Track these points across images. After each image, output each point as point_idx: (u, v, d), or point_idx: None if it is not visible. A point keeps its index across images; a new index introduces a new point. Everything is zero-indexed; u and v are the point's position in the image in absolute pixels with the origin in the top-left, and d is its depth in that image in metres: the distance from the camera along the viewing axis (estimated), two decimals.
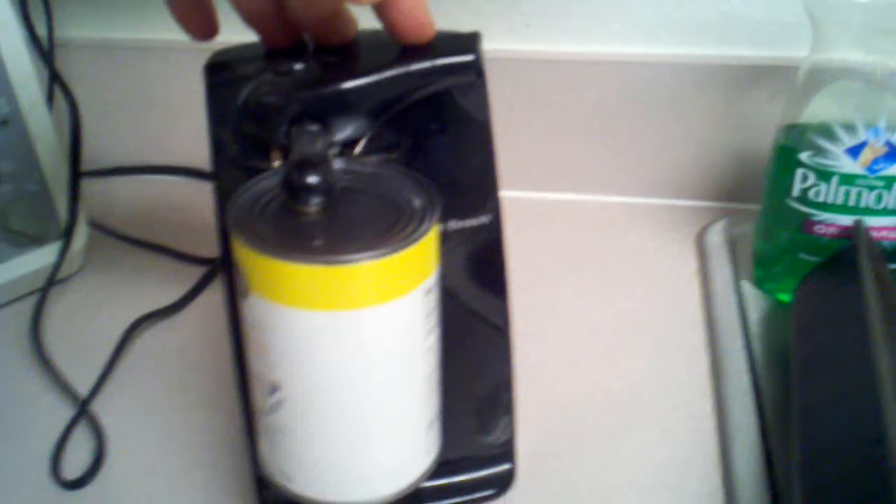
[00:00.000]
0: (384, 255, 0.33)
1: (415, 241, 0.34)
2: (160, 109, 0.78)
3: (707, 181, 0.73)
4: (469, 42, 0.39)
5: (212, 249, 0.68)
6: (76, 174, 0.62)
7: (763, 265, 0.62)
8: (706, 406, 0.53)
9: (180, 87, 0.76)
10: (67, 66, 0.75)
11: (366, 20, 0.40)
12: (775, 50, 0.67)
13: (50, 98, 0.61)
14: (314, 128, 0.36)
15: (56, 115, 0.62)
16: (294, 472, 0.39)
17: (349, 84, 0.36)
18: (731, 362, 0.56)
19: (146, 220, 0.74)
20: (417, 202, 0.36)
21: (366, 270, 0.33)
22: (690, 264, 0.66)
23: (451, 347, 0.40)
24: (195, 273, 0.67)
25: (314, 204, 0.34)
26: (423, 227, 0.35)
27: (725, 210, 0.72)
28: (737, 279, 0.63)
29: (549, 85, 0.70)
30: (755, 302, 0.61)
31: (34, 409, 0.55)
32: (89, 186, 0.64)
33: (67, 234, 0.62)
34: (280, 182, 0.35)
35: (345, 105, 0.37)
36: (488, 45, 0.40)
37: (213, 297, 0.65)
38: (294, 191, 0.34)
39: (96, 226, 0.69)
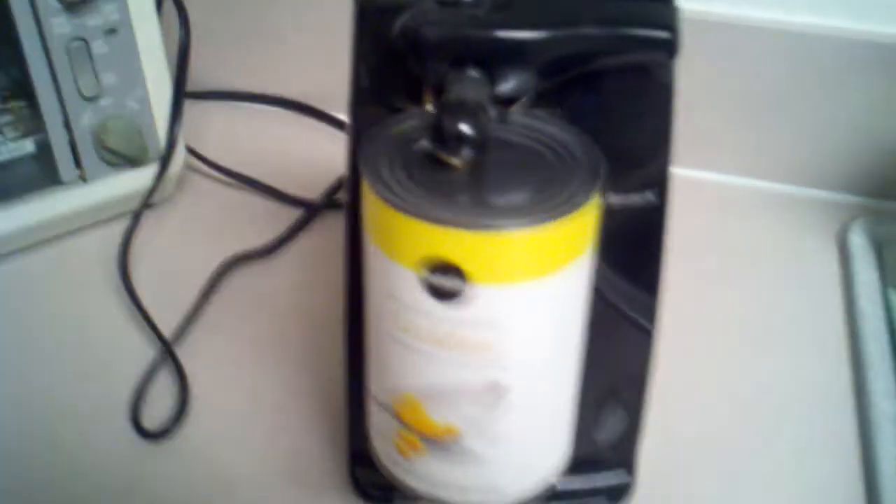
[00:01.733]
0: (536, 222, 0.29)
1: (574, 209, 0.29)
2: (268, 35, 0.73)
3: (854, 172, 0.66)
4: (666, 12, 0.33)
5: (310, 190, 0.64)
6: (180, 94, 0.58)
7: None
8: (848, 429, 0.49)
9: (290, 12, 0.72)
10: None
11: None
12: None
13: (158, 8, 0.57)
14: (475, 74, 0.31)
15: (161, 27, 0.58)
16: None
17: (524, 34, 0.31)
18: (878, 382, 0.51)
19: (242, 151, 0.69)
20: (579, 165, 0.31)
21: (512, 240, 0.29)
22: (831, 264, 0.61)
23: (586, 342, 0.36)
24: (291, 214, 0.63)
25: (464, 155, 0.29)
26: (584, 194, 0.30)
27: (870, 207, 0.66)
28: (884, 287, 0.57)
29: (696, 49, 0.63)
30: None
31: (116, 344, 0.53)
32: (186, 108, 0.60)
33: (165, 159, 0.58)
34: (429, 126, 0.30)
35: (515, 56, 0.32)
36: None
37: (310, 242, 0.61)
38: (443, 137, 0.29)
39: (190, 151, 0.65)
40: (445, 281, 0.30)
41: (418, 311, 0.31)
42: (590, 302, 0.35)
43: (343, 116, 0.72)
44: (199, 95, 0.74)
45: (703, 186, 0.68)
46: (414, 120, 0.33)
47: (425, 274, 0.30)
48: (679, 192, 0.68)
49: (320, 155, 0.70)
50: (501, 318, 0.31)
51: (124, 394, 0.49)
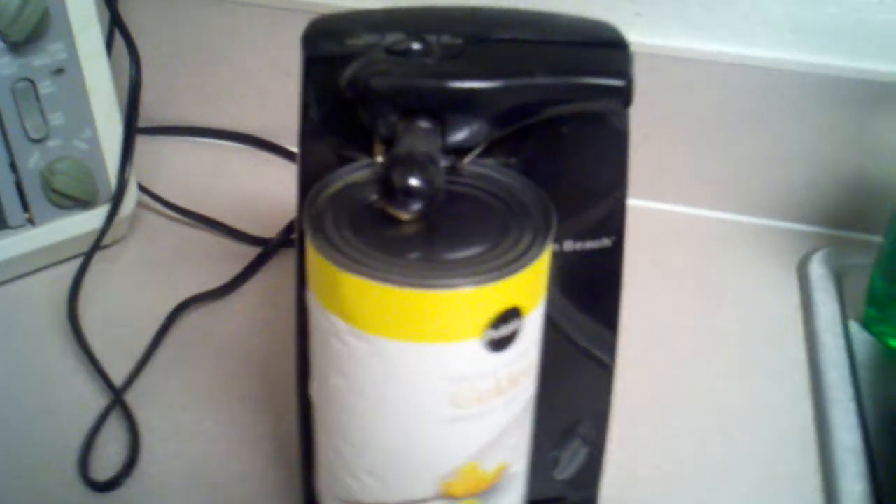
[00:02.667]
0: (485, 281, 0.28)
1: (523, 266, 0.28)
2: (222, 68, 0.72)
3: (815, 204, 0.67)
4: (619, 60, 0.33)
5: (266, 229, 0.63)
6: (131, 133, 0.57)
7: (878, 305, 0.56)
8: (810, 463, 0.49)
9: (247, 46, 0.71)
10: (127, 12, 0.70)
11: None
12: None
13: (108, 46, 0.56)
14: (426, 124, 0.31)
15: (112, 66, 0.57)
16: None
17: (476, 84, 0.31)
18: (839, 416, 0.51)
19: (197, 187, 0.68)
20: (530, 217, 0.31)
21: (461, 298, 0.28)
22: (792, 295, 0.61)
23: (542, 379, 0.35)
24: (247, 253, 0.61)
25: (413, 210, 0.29)
26: (534, 249, 0.29)
27: (830, 237, 0.67)
28: (844, 318, 0.57)
29: (655, 82, 0.64)
30: (864, 346, 0.56)
31: (65, 392, 0.51)
32: (138, 144, 0.58)
33: (116, 200, 0.57)
34: (377, 179, 0.29)
35: (467, 106, 0.31)
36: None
37: (266, 281, 0.60)
38: (392, 191, 0.28)
39: (142, 189, 0.63)
40: (505, 328, 0.29)
41: (481, 372, 0.30)
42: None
43: None
44: (152, 131, 0.73)
45: (663, 218, 0.68)
46: (362, 171, 0.32)
47: (488, 334, 0.29)
48: (640, 224, 0.68)
49: (277, 190, 0.68)
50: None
51: (73, 443, 0.47)
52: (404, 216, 0.29)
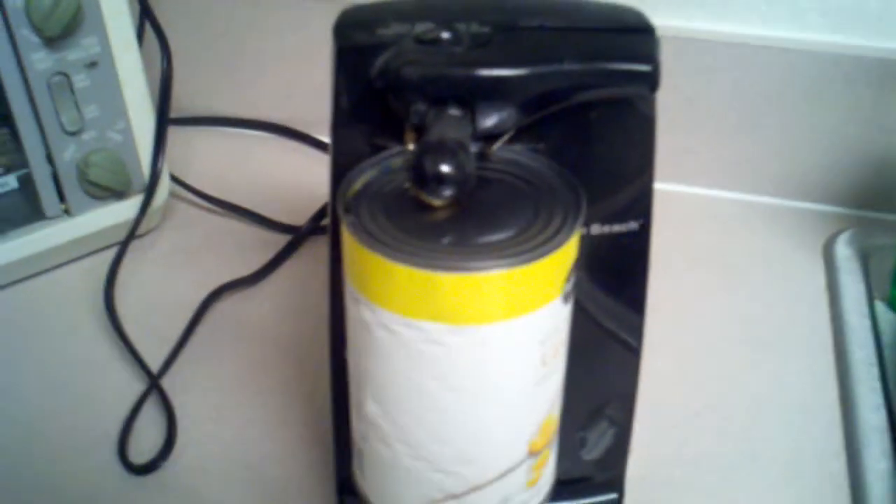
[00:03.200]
0: (514, 265, 0.29)
1: (551, 250, 0.29)
2: (249, 58, 0.73)
3: (840, 185, 0.66)
4: (646, 45, 0.33)
5: (296, 216, 0.64)
6: (163, 125, 0.58)
7: None
8: (835, 444, 0.49)
9: (273, 36, 0.71)
10: (156, 4, 0.71)
11: None
12: None
13: (139, 38, 0.57)
14: (456, 112, 0.31)
15: (143, 58, 0.58)
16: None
17: (505, 72, 0.31)
18: (864, 396, 0.51)
19: (227, 177, 0.69)
20: (559, 202, 0.31)
21: (491, 281, 0.29)
22: (817, 276, 0.61)
23: (571, 362, 0.36)
24: (277, 240, 0.62)
25: (444, 196, 0.29)
26: (562, 234, 0.30)
27: (856, 218, 0.67)
28: (870, 298, 0.57)
29: (678, 66, 0.64)
30: (890, 326, 0.56)
31: (103, 378, 0.52)
32: (169, 136, 0.59)
33: (149, 190, 0.58)
34: (409, 166, 0.30)
35: (496, 93, 0.32)
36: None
37: (297, 268, 0.61)
38: (423, 179, 0.29)
39: (174, 179, 0.64)
40: (571, 280, 0.32)
41: (559, 326, 0.33)
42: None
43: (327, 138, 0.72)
44: (183, 122, 0.74)
45: (689, 201, 0.68)
46: (395, 158, 0.33)
47: (565, 289, 0.32)
48: (665, 207, 0.68)
49: (306, 179, 0.69)
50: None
51: (112, 428, 0.49)
52: (437, 202, 0.30)
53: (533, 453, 0.34)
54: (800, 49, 0.62)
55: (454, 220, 0.30)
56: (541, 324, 0.31)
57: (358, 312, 0.32)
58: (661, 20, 0.63)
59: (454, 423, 0.32)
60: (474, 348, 0.30)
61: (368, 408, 0.34)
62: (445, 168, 0.28)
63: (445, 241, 0.29)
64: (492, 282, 0.29)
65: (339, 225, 0.31)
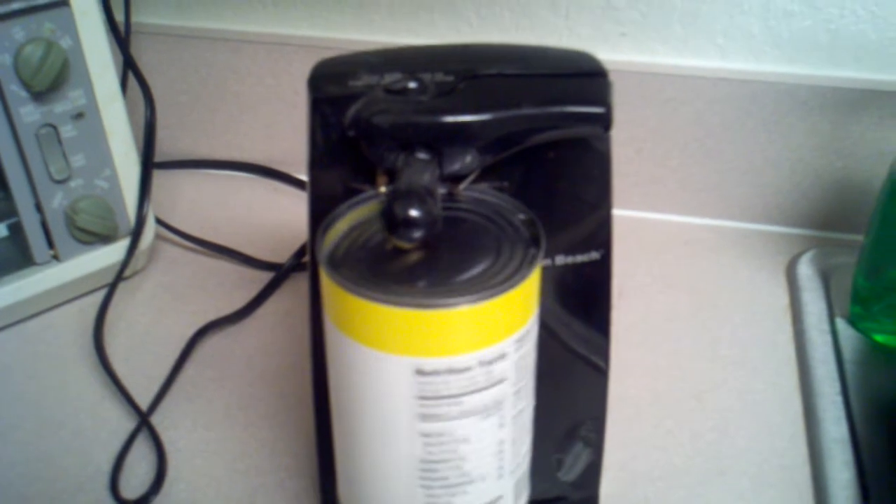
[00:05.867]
0: (480, 300, 0.31)
1: (515, 284, 0.31)
2: (229, 102, 0.76)
3: (801, 208, 0.69)
4: (599, 88, 0.36)
5: (277, 254, 0.66)
6: (148, 170, 0.59)
7: (862, 302, 0.58)
8: (800, 455, 0.51)
9: (252, 80, 0.74)
10: (138, 53, 0.73)
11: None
12: (889, 73, 0.63)
13: (123, 87, 0.59)
14: (424, 156, 0.33)
15: (126, 106, 0.60)
16: None
17: (468, 118, 0.34)
18: (827, 409, 0.53)
19: (210, 217, 0.71)
20: (522, 237, 0.34)
21: (459, 316, 0.31)
22: (781, 295, 0.63)
23: (542, 386, 0.38)
24: (261, 277, 0.64)
25: (414, 239, 0.32)
26: (525, 269, 0.32)
27: (817, 239, 0.69)
28: (831, 315, 0.60)
29: (642, 99, 0.66)
30: (850, 342, 0.58)
31: (94, 416, 0.54)
32: (153, 179, 0.61)
33: (136, 234, 0.60)
34: (380, 211, 0.32)
35: (461, 137, 0.34)
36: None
37: (280, 304, 0.63)
38: (394, 223, 0.31)
39: (159, 222, 0.66)
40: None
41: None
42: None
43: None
44: (167, 165, 0.76)
45: (658, 227, 0.70)
46: (367, 203, 0.35)
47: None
48: (636, 234, 0.70)
49: (287, 217, 0.71)
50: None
51: (104, 465, 0.50)
52: (407, 245, 0.32)
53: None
54: (757, 80, 0.65)
55: (424, 260, 0.32)
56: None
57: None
58: (625, 56, 0.66)
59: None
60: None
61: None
62: (413, 213, 0.31)
63: (416, 279, 0.32)
64: (459, 316, 0.31)
65: (318, 266, 0.33)
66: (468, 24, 0.68)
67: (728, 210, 0.71)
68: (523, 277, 0.31)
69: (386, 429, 0.33)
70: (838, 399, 0.53)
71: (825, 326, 0.59)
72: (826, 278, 0.63)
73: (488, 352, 0.32)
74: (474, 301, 0.30)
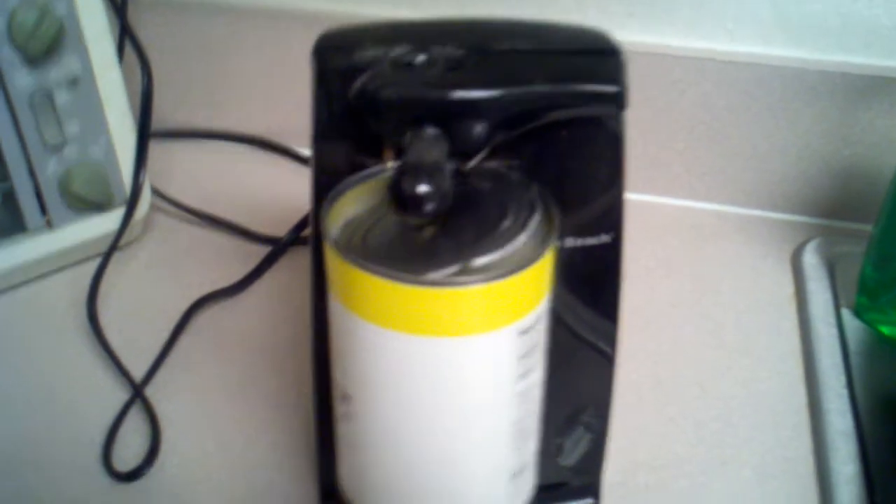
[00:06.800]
0: (491, 280, 0.30)
1: (527, 265, 0.30)
2: (228, 73, 0.74)
3: (807, 195, 0.68)
4: (613, 66, 0.35)
5: (276, 227, 0.65)
6: (144, 139, 0.58)
7: (869, 293, 0.58)
8: (803, 447, 0.50)
9: (251, 51, 0.73)
10: (136, 22, 0.71)
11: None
12: None
13: (119, 55, 0.58)
14: (432, 132, 0.32)
15: (123, 74, 0.58)
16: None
17: (478, 93, 0.32)
18: (831, 400, 0.52)
19: (208, 188, 0.70)
20: (535, 218, 0.33)
21: (468, 296, 0.30)
22: (786, 284, 0.62)
23: (549, 371, 0.37)
24: (258, 251, 0.63)
25: (422, 216, 0.31)
26: (539, 249, 0.31)
27: (823, 227, 0.68)
28: (837, 306, 0.59)
29: (649, 80, 0.65)
30: (856, 333, 0.57)
31: (87, 387, 0.53)
32: (150, 148, 0.60)
33: (131, 203, 0.59)
34: (388, 187, 0.31)
35: (471, 113, 0.33)
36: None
37: (278, 278, 0.62)
38: (402, 199, 0.30)
39: (155, 192, 0.65)
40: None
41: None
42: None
43: (306, 151, 0.73)
44: (164, 135, 0.75)
45: (661, 211, 0.70)
46: (374, 177, 0.34)
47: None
48: (637, 217, 0.70)
49: (286, 190, 0.70)
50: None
51: (96, 437, 0.49)
52: (416, 221, 0.31)
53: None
54: (766, 64, 0.64)
55: (434, 236, 0.31)
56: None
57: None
58: (633, 36, 0.65)
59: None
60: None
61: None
62: (423, 188, 0.29)
63: (426, 256, 0.31)
64: (471, 296, 0.30)
65: (322, 241, 0.32)
66: (472, 1, 0.67)
67: (733, 195, 0.70)
68: (536, 258, 0.30)
69: (486, 403, 0.33)
70: (844, 391, 0.53)
71: (831, 317, 0.58)
72: (831, 267, 0.63)
73: (499, 334, 0.32)
74: (487, 280, 0.30)
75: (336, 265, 0.31)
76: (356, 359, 0.32)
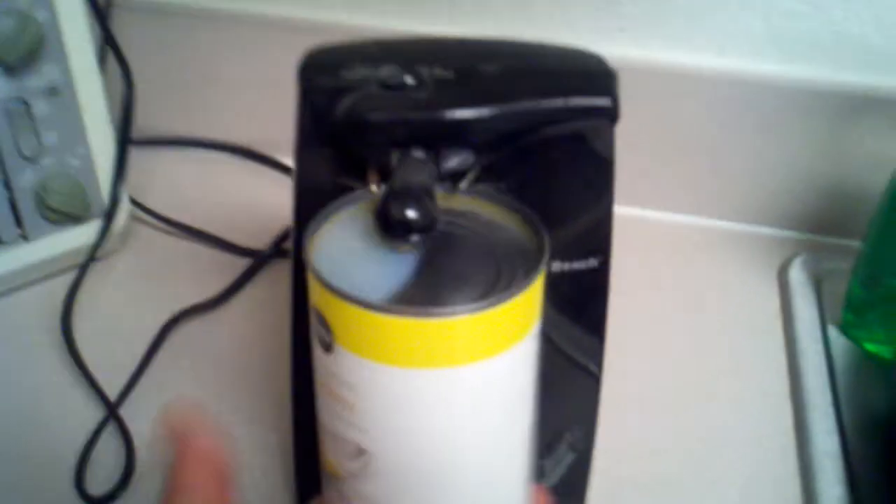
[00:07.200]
0: (479, 309, 0.29)
1: (519, 291, 0.29)
2: (211, 82, 0.73)
3: (794, 210, 0.68)
4: (604, 80, 0.34)
5: (256, 239, 0.64)
6: (124, 150, 0.57)
7: (855, 310, 0.57)
8: (790, 469, 0.50)
9: (234, 60, 0.71)
10: (117, 29, 0.70)
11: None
12: (891, 79, 0.62)
13: (101, 63, 0.56)
14: (421, 155, 0.31)
15: (104, 81, 0.57)
16: None
17: (468, 113, 0.32)
18: (817, 420, 0.52)
19: (188, 198, 0.69)
20: (524, 242, 0.32)
21: (462, 325, 0.29)
22: (772, 299, 0.62)
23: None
24: (238, 264, 0.62)
25: (409, 242, 0.30)
26: (530, 275, 0.30)
27: (809, 242, 0.68)
28: (823, 323, 0.59)
29: (638, 95, 0.64)
30: (842, 351, 0.57)
31: (60, 405, 0.52)
32: (129, 158, 0.59)
33: (109, 215, 0.58)
34: (375, 212, 0.30)
35: (460, 135, 0.32)
36: (575, 44, 0.36)
37: (257, 292, 0.61)
38: (389, 224, 0.29)
39: (134, 202, 0.64)
40: (322, 331, 0.30)
41: (314, 351, 0.31)
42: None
43: (292, 162, 0.72)
44: (144, 143, 0.74)
45: (646, 224, 0.69)
46: (358, 202, 0.33)
47: (314, 320, 0.30)
48: (622, 230, 0.69)
49: (267, 201, 0.69)
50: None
51: (69, 457, 0.48)
52: (403, 247, 0.30)
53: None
54: (757, 80, 0.63)
55: (420, 264, 0.30)
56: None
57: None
58: (620, 49, 0.64)
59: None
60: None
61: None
62: (411, 214, 0.28)
63: (413, 285, 0.30)
64: (458, 326, 0.29)
65: (306, 270, 0.31)
66: (462, 12, 0.66)
67: (720, 210, 0.69)
68: (528, 284, 0.30)
69: (512, 417, 0.32)
70: (830, 410, 0.52)
71: (817, 334, 0.58)
72: (818, 283, 0.62)
73: (487, 364, 0.31)
74: (474, 310, 0.29)
75: (339, 308, 0.30)
76: (372, 407, 0.31)
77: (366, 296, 0.28)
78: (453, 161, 0.33)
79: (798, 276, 0.63)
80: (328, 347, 0.30)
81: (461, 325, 0.29)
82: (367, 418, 0.31)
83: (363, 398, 0.31)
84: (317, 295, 0.30)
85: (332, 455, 0.33)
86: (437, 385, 0.30)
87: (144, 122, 0.73)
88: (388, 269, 0.30)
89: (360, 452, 0.32)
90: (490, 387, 0.31)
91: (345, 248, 0.31)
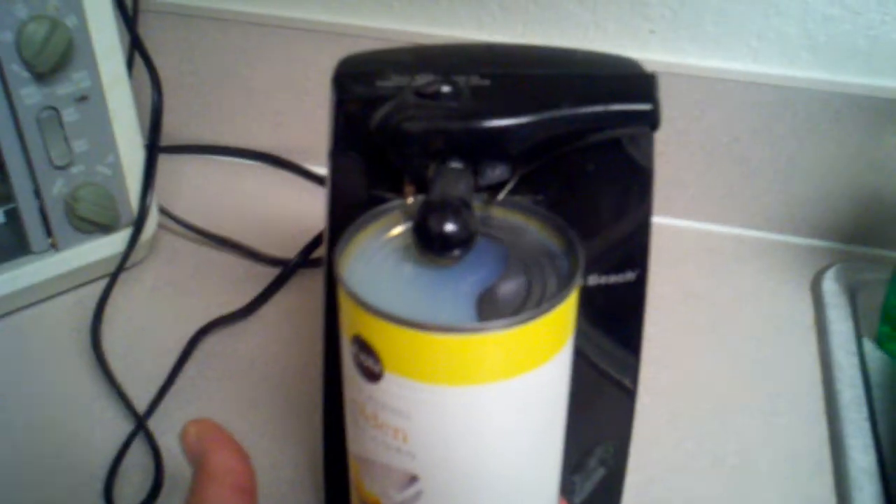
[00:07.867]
0: (512, 325, 0.28)
1: (554, 306, 0.29)
2: (238, 88, 0.73)
3: (828, 220, 0.67)
4: (644, 84, 0.33)
5: (284, 248, 0.63)
6: (153, 160, 0.57)
7: (892, 322, 0.56)
8: (825, 487, 0.49)
9: (261, 66, 0.71)
10: (145, 33, 0.70)
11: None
12: None
13: (129, 69, 0.56)
14: (458, 166, 0.31)
15: (133, 89, 0.57)
16: None
17: (506, 122, 0.31)
18: (853, 435, 0.51)
19: (217, 206, 0.69)
20: (560, 257, 0.31)
21: (515, 336, 0.28)
22: (806, 311, 0.61)
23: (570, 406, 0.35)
24: (267, 273, 0.62)
25: (448, 256, 0.29)
26: (565, 289, 0.29)
27: (844, 253, 0.67)
28: (858, 336, 0.58)
29: (670, 99, 0.64)
30: (878, 364, 0.56)
31: (89, 416, 0.51)
32: (158, 164, 0.59)
33: (138, 224, 0.57)
34: (413, 225, 0.29)
35: (498, 144, 0.31)
36: (604, 47, 0.35)
37: (286, 301, 0.60)
38: (427, 238, 0.29)
39: (162, 211, 0.64)
40: (366, 360, 0.29)
41: (352, 381, 0.30)
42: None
43: (320, 170, 0.72)
44: (172, 150, 0.74)
45: (678, 233, 0.68)
46: (393, 212, 0.32)
47: (355, 349, 0.29)
48: (654, 240, 0.68)
49: (296, 209, 0.69)
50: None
51: (98, 470, 0.48)
52: (441, 261, 0.29)
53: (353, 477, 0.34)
54: (791, 86, 0.62)
55: (455, 278, 0.30)
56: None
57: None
58: (654, 55, 0.64)
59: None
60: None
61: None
62: (451, 228, 0.28)
63: (446, 301, 0.29)
64: (511, 338, 0.28)
65: (337, 285, 0.30)
66: (490, 15, 0.65)
67: (753, 219, 0.68)
68: (563, 298, 0.29)
69: (552, 423, 0.32)
70: (865, 425, 0.51)
71: (852, 347, 0.57)
72: (853, 294, 0.61)
73: (520, 381, 0.30)
74: (507, 325, 0.28)
75: (390, 334, 0.28)
76: (423, 431, 0.30)
77: (418, 317, 0.27)
78: (492, 172, 0.32)
79: (832, 287, 0.62)
80: (376, 376, 0.29)
81: (514, 336, 0.28)
82: (419, 443, 0.30)
83: (415, 422, 0.30)
84: (359, 324, 0.29)
85: (375, 487, 0.32)
86: (487, 399, 0.29)
87: (172, 126, 0.73)
88: (425, 284, 0.29)
89: (411, 480, 0.31)
90: (535, 397, 0.31)
91: (378, 264, 0.30)
